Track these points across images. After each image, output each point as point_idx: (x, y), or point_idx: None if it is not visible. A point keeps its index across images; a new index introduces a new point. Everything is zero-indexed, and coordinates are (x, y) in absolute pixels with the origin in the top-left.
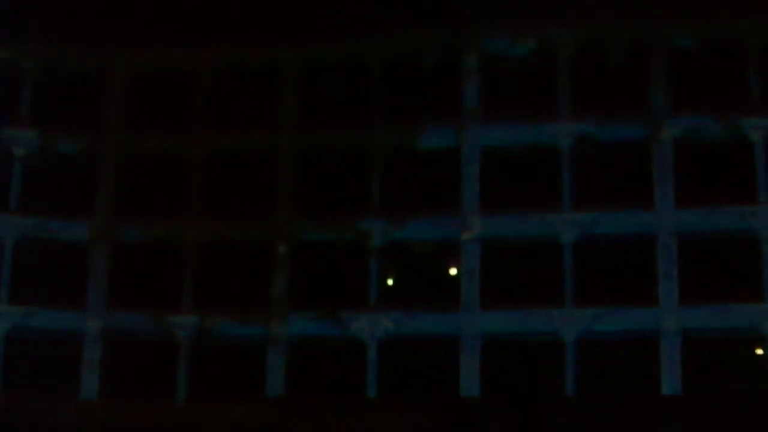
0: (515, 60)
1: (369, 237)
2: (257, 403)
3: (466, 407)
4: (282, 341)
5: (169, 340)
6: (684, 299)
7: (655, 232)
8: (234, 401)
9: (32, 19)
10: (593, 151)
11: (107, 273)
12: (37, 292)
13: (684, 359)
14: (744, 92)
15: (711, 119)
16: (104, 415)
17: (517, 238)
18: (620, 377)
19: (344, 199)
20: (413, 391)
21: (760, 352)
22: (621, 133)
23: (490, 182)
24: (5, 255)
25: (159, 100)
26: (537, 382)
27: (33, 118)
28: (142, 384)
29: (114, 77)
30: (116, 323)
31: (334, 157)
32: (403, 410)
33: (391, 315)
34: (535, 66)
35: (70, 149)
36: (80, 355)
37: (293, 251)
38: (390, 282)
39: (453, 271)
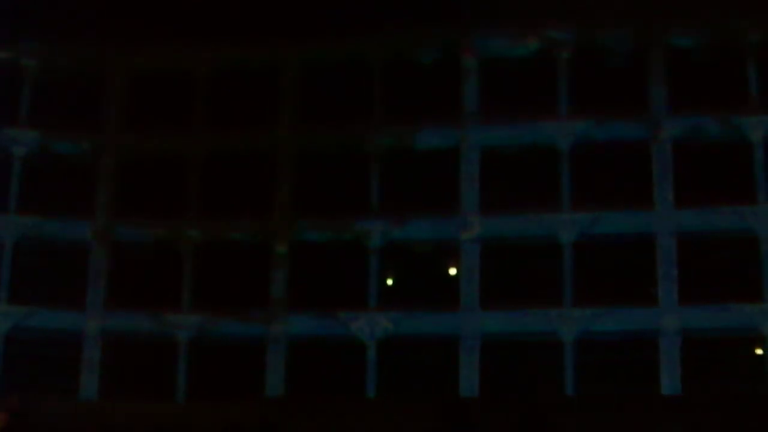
0: (515, 60)
1: (368, 237)
2: (257, 403)
3: (466, 407)
4: (281, 340)
5: (169, 339)
6: (683, 299)
7: (654, 232)
8: (233, 401)
9: (32, 19)
10: (593, 151)
11: (107, 273)
12: (36, 292)
13: (683, 359)
14: (743, 92)
15: (710, 119)
16: (104, 415)
17: (517, 238)
18: (619, 377)
19: (344, 199)
20: (413, 391)
21: (759, 352)
22: (621, 133)
23: (489, 182)
24: (5, 255)
25: (159, 100)
26: (536, 382)
27: (33, 118)
28: (141, 384)
29: (114, 77)
30: (116, 323)
31: (333, 157)
32: (402, 410)
33: (391, 315)
34: (534, 66)
35: (70, 149)
36: (80, 355)
37: (293, 251)
38: (389, 282)
39: (452, 271)
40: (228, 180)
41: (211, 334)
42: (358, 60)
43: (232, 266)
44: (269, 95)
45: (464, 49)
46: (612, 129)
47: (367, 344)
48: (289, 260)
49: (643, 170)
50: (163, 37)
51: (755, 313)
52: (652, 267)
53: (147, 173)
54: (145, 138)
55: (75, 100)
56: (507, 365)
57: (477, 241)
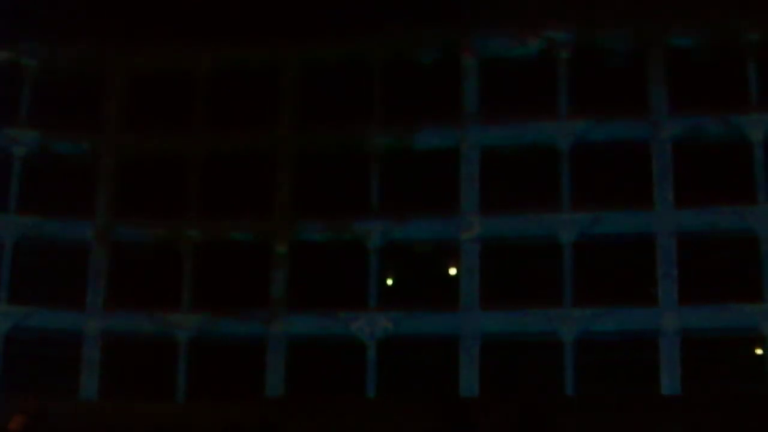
0: (515, 60)
1: (368, 237)
2: (257, 403)
3: (466, 407)
4: (281, 340)
5: (169, 339)
6: (683, 299)
7: (654, 232)
8: (233, 401)
9: (32, 19)
10: (593, 151)
11: (107, 273)
12: (36, 292)
13: (683, 359)
14: (743, 92)
15: (710, 119)
16: (104, 415)
17: (517, 238)
18: (619, 377)
19: (344, 199)
20: (413, 391)
21: (759, 352)
22: (621, 133)
23: (489, 182)
24: (5, 255)
25: (159, 100)
26: (536, 382)
27: (33, 118)
28: (141, 384)
29: (114, 77)
30: (116, 323)
31: (333, 157)
32: (402, 410)
33: (391, 315)
34: (534, 66)
35: (70, 149)
36: (80, 355)
37: (293, 251)
38: (389, 282)
39: (452, 271)
40: (228, 180)
41: (211, 334)
42: (358, 60)
43: (232, 266)
44: (269, 95)
45: (464, 49)
46: (612, 129)
47: (367, 344)
48: (289, 260)
49: (643, 170)
50: (163, 37)
51: (755, 313)
52: (652, 267)
53: (147, 173)
54: (145, 138)
55: (75, 100)
56: (507, 365)
57: (477, 241)
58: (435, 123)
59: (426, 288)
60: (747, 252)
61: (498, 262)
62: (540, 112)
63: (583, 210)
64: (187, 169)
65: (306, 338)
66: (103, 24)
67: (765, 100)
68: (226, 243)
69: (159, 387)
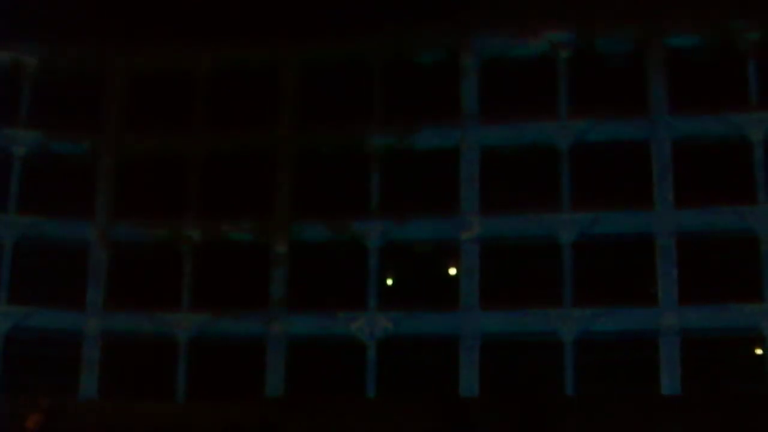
0: (515, 60)
1: (368, 237)
2: (257, 403)
3: (466, 407)
4: (281, 340)
5: (169, 339)
6: (683, 299)
7: (654, 232)
8: (233, 401)
9: (32, 19)
10: (593, 151)
11: (107, 273)
12: (36, 292)
13: (683, 359)
14: (743, 92)
15: (710, 119)
16: (104, 415)
17: (517, 238)
18: (619, 377)
19: (344, 198)
20: (413, 391)
21: (759, 352)
22: (621, 133)
23: (489, 182)
24: (5, 255)
25: (159, 100)
26: (536, 382)
27: (33, 118)
28: (141, 384)
29: (114, 77)
30: (116, 323)
31: (333, 157)
32: (402, 410)
33: (391, 315)
34: (534, 66)
35: (70, 149)
36: (80, 355)
37: (293, 251)
38: (389, 282)
39: (452, 271)
40: (228, 180)
41: (211, 334)
42: (358, 60)
43: (232, 266)
44: (269, 95)
45: (464, 49)
46: (612, 129)
47: (367, 344)
48: (288, 260)
49: (643, 170)
50: (163, 37)
51: (755, 313)
52: (652, 267)
53: (147, 173)
54: (145, 138)
55: (75, 100)
56: (507, 365)
57: (477, 241)
58: (435, 123)
59: (426, 288)
60: (747, 252)
61: (498, 262)
62: (540, 112)
63: (583, 210)
64: (187, 169)
65: (306, 338)
66: (103, 24)
67: (765, 100)
68: (226, 243)
69: (159, 387)
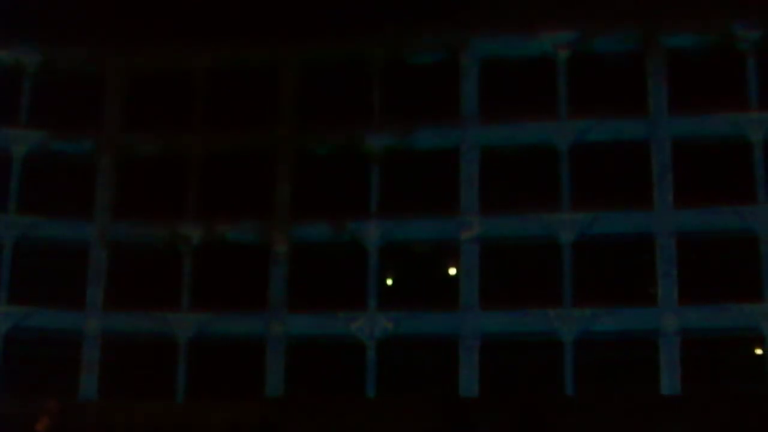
0: (514, 60)
1: (368, 237)
2: (257, 403)
3: (465, 407)
4: (281, 340)
5: (169, 339)
6: (683, 299)
7: (654, 232)
8: (233, 401)
9: (32, 19)
10: (593, 151)
11: (107, 273)
12: (36, 292)
13: (683, 359)
14: (743, 92)
15: (710, 119)
16: (104, 415)
17: (516, 238)
18: (619, 377)
19: (343, 199)
20: (413, 391)
21: (759, 352)
22: (621, 133)
23: (489, 182)
24: (5, 255)
25: (159, 100)
26: (536, 382)
27: (33, 118)
28: (141, 384)
29: (114, 77)
30: (116, 323)
31: (333, 157)
32: (402, 410)
33: (391, 315)
34: (534, 66)
35: (70, 149)
36: (80, 355)
37: (292, 251)
38: (389, 282)
39: (452, 271)
40: (227, 180)
41: (211, 334)
42: (358, 60)
43: (232, 266)
44: (269, 95)
45: (464, 50)
46: (612, 129)
47: (367, 344)
48: (288, 260)
49: (643, 170)
50: (163, 37)
51: (755, 313)
52: (652, 267)
53: (147, 173)
54: (145, 138)
55: (75, 100)
56: (507, 365)
57: (477, 241)
58: (435, 123)
59: (426, 288)
60: (747, 252)
61: (498, 262)
62: (540, 112)
63: (583, 210)
64: (187, 169)
65: (306, 338)
66: (103, 24)
67: (765, 100)
68: (226, 243)
69: (159, 387)
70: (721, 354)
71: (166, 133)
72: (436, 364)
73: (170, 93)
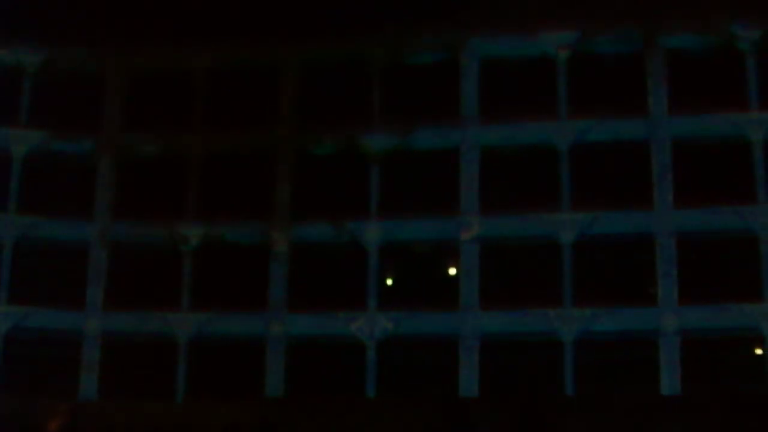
0: (514, 60)
1: (368, 237)
2: (257, 403)
3: (465, 407)
4: (281, 340)
5: (169, 339)
6: (683, 299)
7: (654, 232)
8: (233, 401)
9: (32, 19)
10: (593, 151)
11: (107, 273)
12: (36, 292)
13: (683, 359)
14: (743, 92)
15: (710, 119)
16: (104, 415)
17: (516, 238)
18: (619, 377)
19: (343, 199)
20: (413, 391)
21: (759, 352)
22: (621, 133)
23: (489, 182)
24: (5, 255)
25: (159, 100)
26: (536, 382)
27: (33, 118)
28: (141, 384)
29: (114, 77)
30: (116, 323)
31: (333, 157)
32: (402, 410)
33: (391, 315)
34: (534, 66)
35: (70, 149)
36: (80, 355)
37: (292, 251)
38: (389, 282)
39: (452, 271)
40: (227, 180)
41: (211, 334)
42: (358, 60)
43: (232, 266)
44: (269, 95)
45: (464, 50)
46: (612, 129)
47: (367, 344)
48: (288, 260)
49: (643, 170)
50: (163, 37)
51: (755, 313)
52: (652, 267)
53: (147, 173)
54: (145, 138)
55: (75, 100)
56: (507, 365)
57: (477, 241)
58: (435, 123)
59: (426, 288)
60: (747, 252)
61: (498, 262)
62: (540, 112)
63: (583, 210)
64: (187, 169)
65: (306, 338)
66: (103, 24)
67: (765, 100)
68: (226, 243)
69: (159, 387)
70: (721, 354)
71: (166, 133)
72: (436, 364)
73: (170, 93)
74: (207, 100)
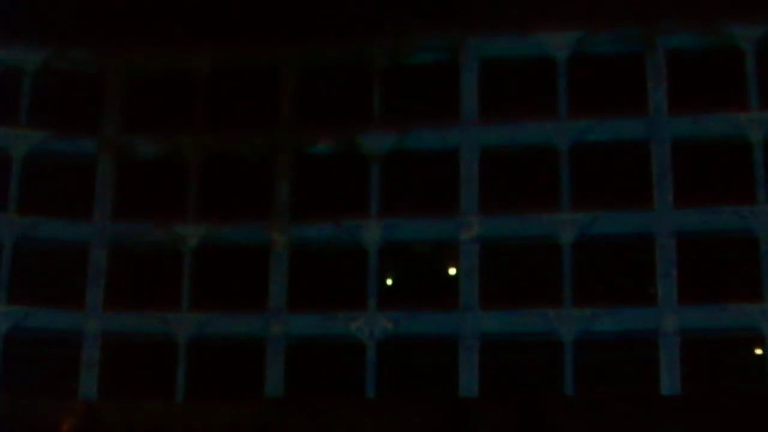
0: (514, 60)
1: (368, 237)
2: (257, 403)
3: (465, 407)
4: (281, 340)
5: (169, 339)
6: (683, 299)
7: (654, 232)
8: (233, 401)
9: (32, 19)
10: (592, 151)
11: (107, 273)
12: (36, 292)
13: (683, 359)
14: (743, 92)
15: (710, 119)
16: (104, 415)
17: (516, 238)
18: (619, 377)
19: (343, 199)
20: (413, 391)
21: (759, 352)
22: (620, 133)
23: (488, 182)
24: (5, 255)
25: (159, 100)
26: (536, 382)
27: (33, 118)
28: (141, 384)
29: (114, 77)
30: (116, 323)
31: (333, 158)
32: (402, 410)
33: (391, 315)
34: (534, 66)
35: (70, 149)
36: (80, 355)
37: (293, 251)
38: (389, 282)
39: (452, 271)
40: (227, 180)
41: (211, 334)
42: (358, 60)
43: (232, 266)
44: (269, 95)
45: (463, 50)
46: (611, 129)
47: (367, 344)
48: (289, 260)
49: (643, 170)
50: (163, 37)
51: (755, 313)
52: (652, 267)
53: (146, 173)
54: (145, 138)
55: (75, 100)
56: (507, 365)
57: (476, 241)
58: (435, 123)
59: (426, 288)
60: (747, 252)
61: (498, 262)
62: (539, 112)
63: (583, 210)
64: (187, 169)
65: (306, 338)
66: (103, 24)
67: (765, 100)
68: (226, 243)
69: (159, 387)
70: (721, 354)
71: (166, 133)
72: (436, 364)
73: (170, 93)
74: (207, 100)
